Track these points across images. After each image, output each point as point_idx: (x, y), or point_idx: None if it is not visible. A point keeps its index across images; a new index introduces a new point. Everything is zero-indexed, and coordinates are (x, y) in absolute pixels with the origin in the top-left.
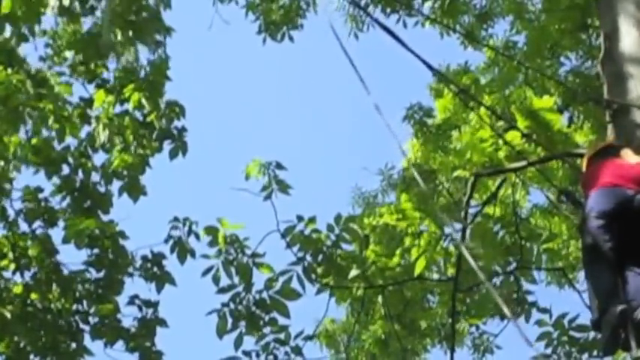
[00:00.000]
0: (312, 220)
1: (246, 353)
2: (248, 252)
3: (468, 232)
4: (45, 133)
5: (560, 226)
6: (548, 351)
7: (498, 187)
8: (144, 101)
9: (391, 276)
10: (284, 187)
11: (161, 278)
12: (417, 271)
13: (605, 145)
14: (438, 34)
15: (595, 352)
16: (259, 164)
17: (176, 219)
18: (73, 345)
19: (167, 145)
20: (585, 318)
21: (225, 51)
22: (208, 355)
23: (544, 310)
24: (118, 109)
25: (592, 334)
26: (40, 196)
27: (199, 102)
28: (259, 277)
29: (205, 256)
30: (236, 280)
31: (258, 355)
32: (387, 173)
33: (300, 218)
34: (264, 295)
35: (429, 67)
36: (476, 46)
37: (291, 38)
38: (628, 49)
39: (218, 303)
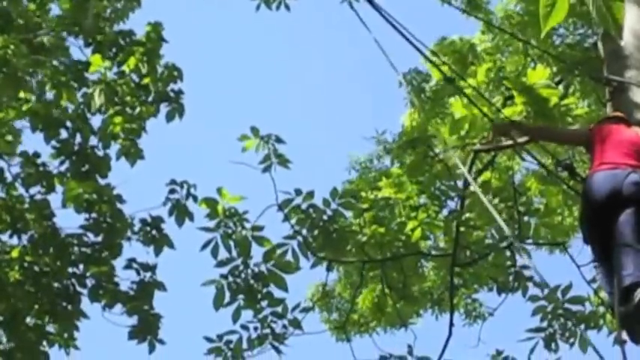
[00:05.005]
0: (310, 194)
1: (244, 327)
2: (247, 225)
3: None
4: (43, 97)
5: (557, 199)
6: (544, 324)
7: (494, 157)
8: (140, 64)
9: (389, 249)
10: (283, 161)
11: (160, 241)
12: (413, 239)
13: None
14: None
15: (592, 324)
16: (257, 136)
17: (174, 182)
18: (70, 307)
19: (164, 108)
20: (580, 290)
21: (226, 19)
22: (206, 317)
23: (540, 285)
24: (114, 71)
25: (588, 306)
26: (39, 161)
27: (198, 71)
28: (257, 250)
29: (204, 229)
30: (234, 253)
31: (256, 329)
32: (382, 138)
33: (298, 192)
34: (262, 268)
35: (417, 48)
36: (475, 14)
37: (287, 6)
38: (628, 26)
39: (216, 270)
